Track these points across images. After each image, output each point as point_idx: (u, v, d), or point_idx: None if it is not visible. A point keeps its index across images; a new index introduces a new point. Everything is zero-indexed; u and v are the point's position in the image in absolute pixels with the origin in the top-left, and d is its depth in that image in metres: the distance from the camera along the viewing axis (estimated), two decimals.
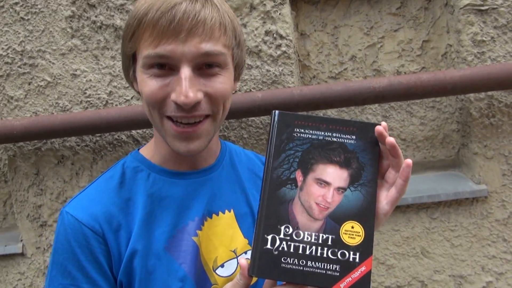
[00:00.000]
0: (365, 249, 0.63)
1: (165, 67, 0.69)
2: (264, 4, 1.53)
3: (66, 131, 1.50)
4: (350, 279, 0.61)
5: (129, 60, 0.75)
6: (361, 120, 0.70)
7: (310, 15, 1.66)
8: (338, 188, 0.66)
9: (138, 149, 0.86)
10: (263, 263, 0.62)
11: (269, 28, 1.53)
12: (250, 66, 1.55)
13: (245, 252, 0.82)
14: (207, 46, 0.68)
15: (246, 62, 1.55)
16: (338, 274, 0.62)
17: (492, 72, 1.42)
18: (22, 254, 1.67)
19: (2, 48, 1.59)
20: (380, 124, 0.67)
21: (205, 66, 0.70)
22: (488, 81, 1.42)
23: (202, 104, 0.70)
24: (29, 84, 1.59)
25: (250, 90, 1.55)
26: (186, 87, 0.67)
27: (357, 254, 0.63)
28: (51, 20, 1.57)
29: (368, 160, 0.68)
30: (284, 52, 1.54)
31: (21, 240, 1.67)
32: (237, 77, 0.80)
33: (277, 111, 0.69)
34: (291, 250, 0.62)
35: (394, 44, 1.64)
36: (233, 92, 0.82)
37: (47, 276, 0.76)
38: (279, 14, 1.53)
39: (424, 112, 1.66)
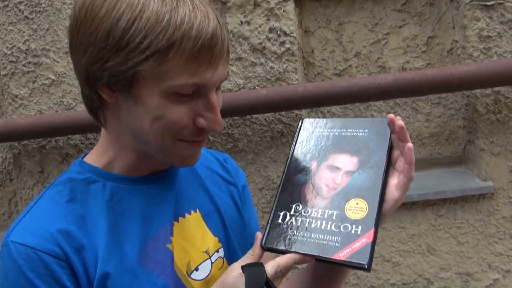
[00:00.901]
0: (368, 223, 0.66)
1: (189, 92, 0.63)
2: (268, 1, 1.52)
3: (70, 129, 1.50)
4: (350, 249, 0.65)
5: (134, 77, 0.61)
6: (371, 118, 0.78)
7: (314, 12, 1.65)
8: (347, 172, 0.71)
9: (82, 158, 0.76)
10: (274, 235, 0.69)
11: (273, 25, 1.53)
12: (254, 63, 1.55)
13: (217, 251, 0.78)
14: (227, 71, 0.66)
15: (250, 59, 1.54)
16: (339, 244, 0.65)
17: (498, 68, 1.41)
18: None
19: (7, 47, 1.59)
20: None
21: None
22: (494, 76, 1.40)
23: None
24: (34, 82, 1.59)
25: (254, 87, 1.55)
26: (219, 115, 0.65)
27: (359, 227, 0.66)
28: (55, 18, 1.57)
29: (377, 147, 0.73)
30: (288, 49, 1.53)
31: None
32: None
33: (302, 118, 0.83)
34: (299, 224, 0.69)
35: (399, 41, 1.63)
36: None
37: None
38: (283, 11, 1.52)
39: (429, 108, 1.65)
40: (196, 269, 0.74)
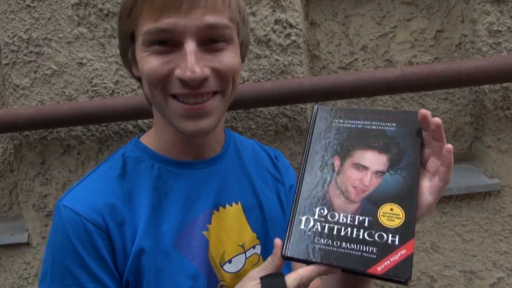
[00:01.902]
0: (406, 231, 0.60)
1: (168, 43, 0.64)
2: None
3: (72, 120, 1.48)
4: (388, 262, 0.58)
5: (128, 40, 0.69)
6: (399, 110, 0.70)
7: (321, 4, 1.62)
8: (377, 172, 0.64)
9: (138, 137, 0.80)
10: (296, 243, 0.61)
11: (279, 16, 1.50)
12: (258, 56, 1.52)
13: (253, 247, 0.77)
14: (211, 18, 0.63)
15: (255, 52, 1.52)
16: (375, 256, 0.58)
17: (508, 63, 1.38)
18: (27, 244, 1.66)
19: (8, 36, 1.57)
20: (417, 111, 0.64)
21: (210, 41, 0.65)
22: (504, 72, 1.37)
23: (210, 80, 0.65)
24: (35, 72, 1.57)
25: (259, 80, 1.52)
26: (192, 62, 0.62)
27: (397, 236, 0.59)
28: (58, 7, 1.55)
29: (408, 145, 0.65)
30: (294, 41, 1.50)
31: (27, 230, 1.66)
32: (242, 57, 0.75)
33: (318, 106, 0.72)
34: (325, 231, 0.61)
35: (406, 34, 1.60)
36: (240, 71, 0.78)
37: (43, 276, 0.69)
38: (289, 2, 1.50)
39: (436, 104, 1.62)
40: (229, 261, 0.74)
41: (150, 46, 0.64)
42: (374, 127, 0.68)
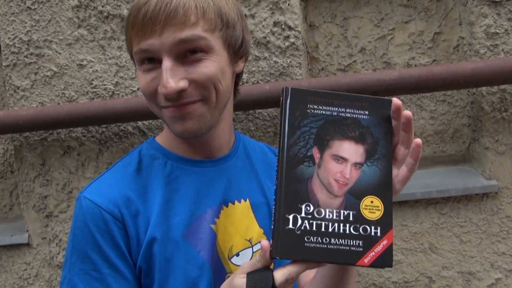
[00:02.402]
0: (386, 223, 0.64)
1: (155, 61, 0.71)
2: None
3: (72, 121, 1.49)
4: (373, 253, 0.62)
5: (130, 52, 0.78)
6: (372, 96, 0.70)
7: (319, 6, 1.63)
8: (355, 164, 0.65)
9: (154, 137, 0.86)
10: (287, 244, 0.61)
11: (278, 19, 1.51)
12: (257, 58, 1.53)
13: (260, 242, 0.81)
14: (182, 34, 0.68)
15: (254, 54, 1.53)
16: (362, 249, 0.62)
17: (505, 65, 1.39)
18: (28, 245, 1.67)
19: (9, 38, 1.58)
20: (391, 100, 0.66)
21: (188, 53, 0.70)
22: (501, 74, 1.39)
23: (189, 91, 0.71)
24: (36, 74, 1.58)
25: (258, 82, 1.53)
26: (166, 78, 0.68)
27: (378, 228, 0.63)
28: (58, 9, 1.56)
29: (381, 135, 0.67)
30: (293, 43, 1.51)
31: (27, 231, 1.67)
32: (238, 57, 0.79)
33: (289, 87, 0.67)
34: (314, 229, 0.62)
35: (404, 36, 1.61)
36: (239, 72, 0.83)
37: (65, 262, 0.75)
38: (288, 4, 1.51)
39: (434, 106, 1.63)
40: (237, 254, 0.79)
41: (141, 65, 0.72)
42: (349, 115, 0.67)
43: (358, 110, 0.67)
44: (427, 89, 1.43)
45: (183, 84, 0.69)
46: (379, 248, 0.62)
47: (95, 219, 0.72)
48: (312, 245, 0.61)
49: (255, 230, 0.82)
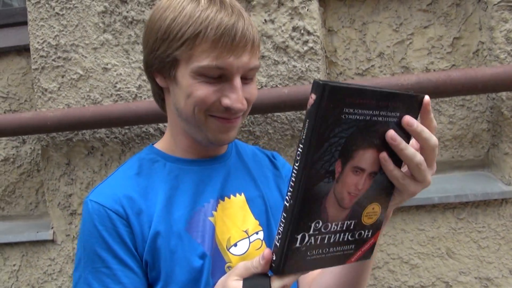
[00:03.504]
0: (377, 225, 0.65)
1: (216, 75, 0.77)
2: (292, 0, 1.53)
3: (96, 123, 1.55)
4: (360, 252, 0.65)
5: (171, 61, 0.79)
6: (407, 92, 0.59)
7: (338, 11, 1.65)
8: (370, 173, 0.60)
9: (152, 144, 0.93)
10: (291, 262, 0.59)
11: (297, 24, 1.54)
12: (276, 62, 1.56)
13: (256, 233, 0.86)
14: (253, 63, 0.77)
15: (273, 58, 1.55)
16: (352, 251, 0.64)
17: None
18: (52, 241, 1.73)
19: (38, 42, 1.65)
20: (423, 96, 0.60)
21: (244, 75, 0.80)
22: None
23: None
24: (63, 77, 1.64)
25: (276, 86, 1.56)
26: (241, 96, 0.76)
27: (371, 231, 0.64)
28: (85, 15, 1.62)
29: (404, 138, 0.59)
30: (311, 48, 1.54)
31: (52, 228, 1.74)
32: None
33: (327, 84, 0.52)
34: (317, 243, 0.60)
35: (423, 41, 1.62)
36: None
37: (77, 264, 0.80)
38: (307, 10, 1.53)
39: (453, 110, 1.63)
40: (235, 245, 0.83)
41: (201, 76, 0.77)
42: (381, 118, 0.58)
43: (391, 112, 0.58)
44: (445, 94, 1.43)
45: (246, 102, 0.79)
46: (365, 247, 0.65)
47: (101, 219, 0.77)
48: (313, 257, 0.61)
49: (251, 222, 0.87)
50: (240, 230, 0.85)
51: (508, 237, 1.55)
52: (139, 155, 0.90)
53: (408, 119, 0.58)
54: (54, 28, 1.64)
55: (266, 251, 0.61)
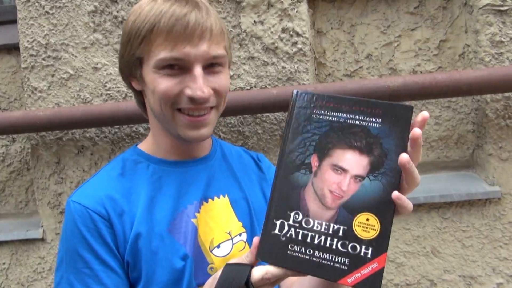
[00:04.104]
0: (380, 244, 0.58)
1: (175, 67, 0.77)
2: (282, 2, 1.54)
3: (86, 122, 1.55)
4: (359, 274, 0.57)
5: (136, 61, 0.81)
6: (389, 102, 0.63)
7: (327, 13, 1.67)
8: (356, 176, 0.61)
9: (136, 145, 0.93)
10: (270, 248, 0.61)
11: (286, 25, 1.55)
12: (266, 63, 1.57)
13: (240, 234, 0.87)
14: (214, 51, 0.77)
15: (262, 59, 1.57)
16: (347, 268, 0.58)
17: (509, 73, 1.41)
18: (42, 240, 1.74)
19: (28, 41, 1.65)
20: (411, 107, 0.60)
21: (208, 65, 0.79)
22: (505, 82, 1.41)
23: (210, 97, 0.79)
24: (52, 76, 1.65)
25: (266, 87, 1.58)
26: (201, 84, 0.76)
27: (370, 249, 0.58)
28: (75, 14, 1.62)
29: (392, 147, 0.60)
30: (300, 49, 1.55)
31: (42, 226, 1.74)
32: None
33: (297, 90, 0.65)
34: (299, 238, 0.60)
35: (411, 43, 1.64)
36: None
37: (59, 264, 0.80)
38: (296, 11, 1.55)
39: (439, 112, 1.65)
40: (218, 246, 0.84)
41: (162, 69, 0.77)
42: (358, 122, 0.61)
43: (370, 118, 0.61)
44: (431, 95, 1.46)
45: (210, 91, 0.78)
46: (366, 270, 0.57)
47: (83, 220, 0.77)
48: (295, 254, 0.60)
49: (234, 223, 0.87)
50: (223, 231, 0.85)
51: (491, 237, 1.58)
52: (123, 155, 0.90)
53: (403, 159, 0.57)
54: (44, 27, 1.64)
55: (255, 238, 0.65)
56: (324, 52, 1.68)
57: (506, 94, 1.52)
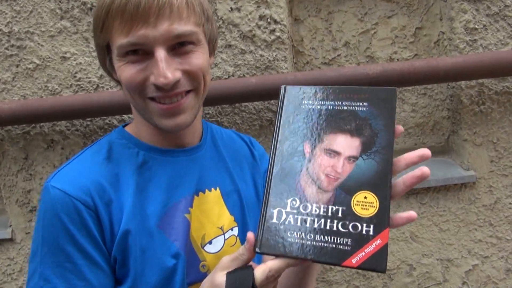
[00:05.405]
0: (380, 220, 0.57)
1: (139, 52, 0.70)
2: None
3: (56, 115, 1.47)
4: (363, 253, 0.56)
5: (104, 51, 0.75)
6: (373, 87, 0.66)
7: (304, 0, 1.64)
8: (349, 157, 0.62)
9: (123, 126, 0.85)
10: (268, 238, 0.59)
11: (263, 12, 1.52)
12: (243, 51, 1.54)
13: (232, 229, 0.83)
14: (178, 28, 0.69)
15: (240, 47, 1.53)
16: (350, 248, 0.56)
17: (483, 60, 1.44)
18: (11, 240, 1.65)
19: None
20: (395, 89, 0.64)
21: (177, 45, 0.71)
22: (479, 68, 1.43)
23: (182, 81, 0.72)
24: (17, 66, 1.55)
25: (244, 75, 1.54)
26: (164, 69, 0.68)
27: (371, 226, 0.57)
28: (39, 0, 1.53)
29: (382, 126, 0.62)
30: (278, 37, 1.53)
31: (10, 226, 1.65)
32: (212, 51, 0.82)
33: (284, 86, 0.69)
34: (298, 224, 0.59)
35: (387, 31, 1.65)
36: (211, 67, 0.83)
37: (33, 256, 0.71)
38: None
39: (415, 99, 1.67)
40: (210, 242, 0.79)
41: (125, 56, 0.71)
42: (345, 107, 0.64)
43: (356, 102, 0.64)
44: (409, 83, 1.47)
45: (178, 74, 0.70)
46: (370, 248, 0.56)
47: (67, 209, 0.69)
48: (295, 240, 0.58)
49: (226, 218, 0.83)
50: (215, 226, 0.81)
51: (466, 220, 1.62)
52: (109, 138, 0.82)
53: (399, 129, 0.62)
54: (6, 14, 1.54)
55: (249, 233, 0.61)
56: (302, 40, 1.66)
57: (480, 81, 1.55)
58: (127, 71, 0.70)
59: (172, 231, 0.76)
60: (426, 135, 1.70)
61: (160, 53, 0.68)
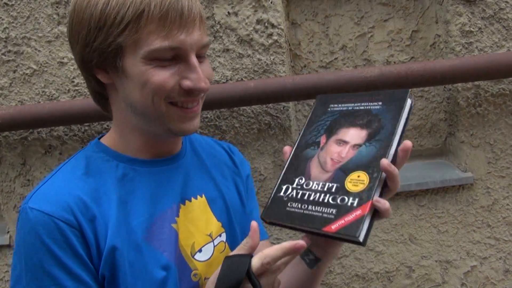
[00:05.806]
0: (366, 195, 0.63)
1: (169, 57, 0.70)
2: None
3: (53, 120, 1.47)
4: (343, 221, 0.62)
5: (114, 50, 0.69)
6: (390, 90, 0.77)
7: (301, 4, 1.65)
8: (354, 145, 0.70)
9: (98, 139, 0.83)
10: (273, 207, 0.70)
11: (261, 16, 1.52)
12: (241, 55, 1.54)
13: (220, 235, 0.82)
14: (205, 38, 0.73)
15: (237, 51, 1.54)
16: (333, 217, 0.64)
17: (479, 62, 1.45)
18: (9, 246, 1.64)
19: None
20: (407, 90, 0.71)
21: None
22: (476, 71, 1.44)
23: None
24: (14, 72, 1.55)
25: (242, 79, 1.55)
26: (201, 74, 0.71)
27: (356, 199, 0.64)
28: (36, 6, 1.53)
29: (389, 120, 0.69)
30: (276, 41, 1.53)
31: (8, 232, 1.64)
32: None
33: (319, 95, 0.82)
34: (298, 197, 0.69)
35: (384, 34, 1.66)
36: None
37: (15, 282, 0.68)
38: (271, 2, 1.52)
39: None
40: (200, 250, 0.78)
41: (152, 60, 0.69)
42: (362, 107, 0.74)
43: (372, 102, 0.73)
44: (406, 85, 1.47)
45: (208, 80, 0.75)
46: (350, 217, 0.62)
47: (49, 231, 0.66)
48: (292, 209, 0.67)
49: (214, 224, 0.82)
50: (204, 234, 0.80)
51: (464, 221, 1.63)
52: (84, 152, 0.79)
53: (386, 164, 0.65)
54: (3, 19, 1.53)
55: (253, 221, 0.66)
56: (299, 44, 1.67)
57: (476, 83, 1.56)
58: (160, 74, 0.69)
59: (160, 243, 0.74)
60: (423, 137, 1.70)
61: (195, 60, 0.71)
